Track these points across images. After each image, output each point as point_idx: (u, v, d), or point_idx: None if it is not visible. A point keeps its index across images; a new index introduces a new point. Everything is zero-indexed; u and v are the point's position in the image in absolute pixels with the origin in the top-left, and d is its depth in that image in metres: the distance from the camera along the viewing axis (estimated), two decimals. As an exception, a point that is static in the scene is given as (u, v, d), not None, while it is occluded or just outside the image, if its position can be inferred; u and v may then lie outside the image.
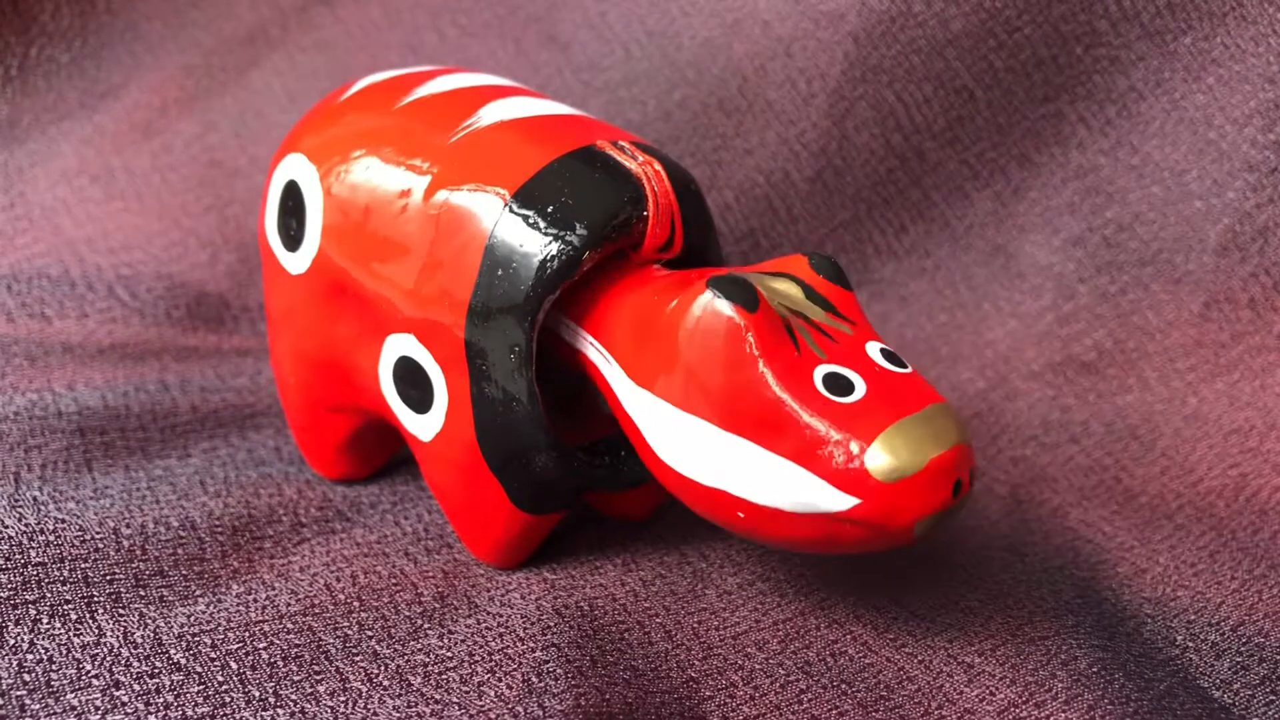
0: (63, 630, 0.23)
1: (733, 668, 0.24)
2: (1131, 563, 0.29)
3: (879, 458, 0.21)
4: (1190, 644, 0.26)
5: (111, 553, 0.26)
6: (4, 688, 0.22)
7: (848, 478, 0.21)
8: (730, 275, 0.23)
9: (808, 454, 0.22)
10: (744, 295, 0.22)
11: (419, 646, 0.24)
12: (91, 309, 0.38)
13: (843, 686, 0.24)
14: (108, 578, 0.25)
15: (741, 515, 0.23)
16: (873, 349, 0.23)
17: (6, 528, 0.26)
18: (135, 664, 0.23)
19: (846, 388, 0.22)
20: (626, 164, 0.25)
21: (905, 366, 0.23)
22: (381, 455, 0.31)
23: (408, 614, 0.25)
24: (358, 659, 0.24)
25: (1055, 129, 0.37)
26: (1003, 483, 0.33)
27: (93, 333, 0.37)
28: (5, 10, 0.42)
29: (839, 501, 0.22)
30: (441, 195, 0.25)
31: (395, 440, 0.31)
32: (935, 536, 0.23)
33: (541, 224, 0.24)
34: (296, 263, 0.28)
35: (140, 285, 0.39)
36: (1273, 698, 0.24)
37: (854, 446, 0.21)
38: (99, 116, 0.42)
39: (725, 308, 0.22)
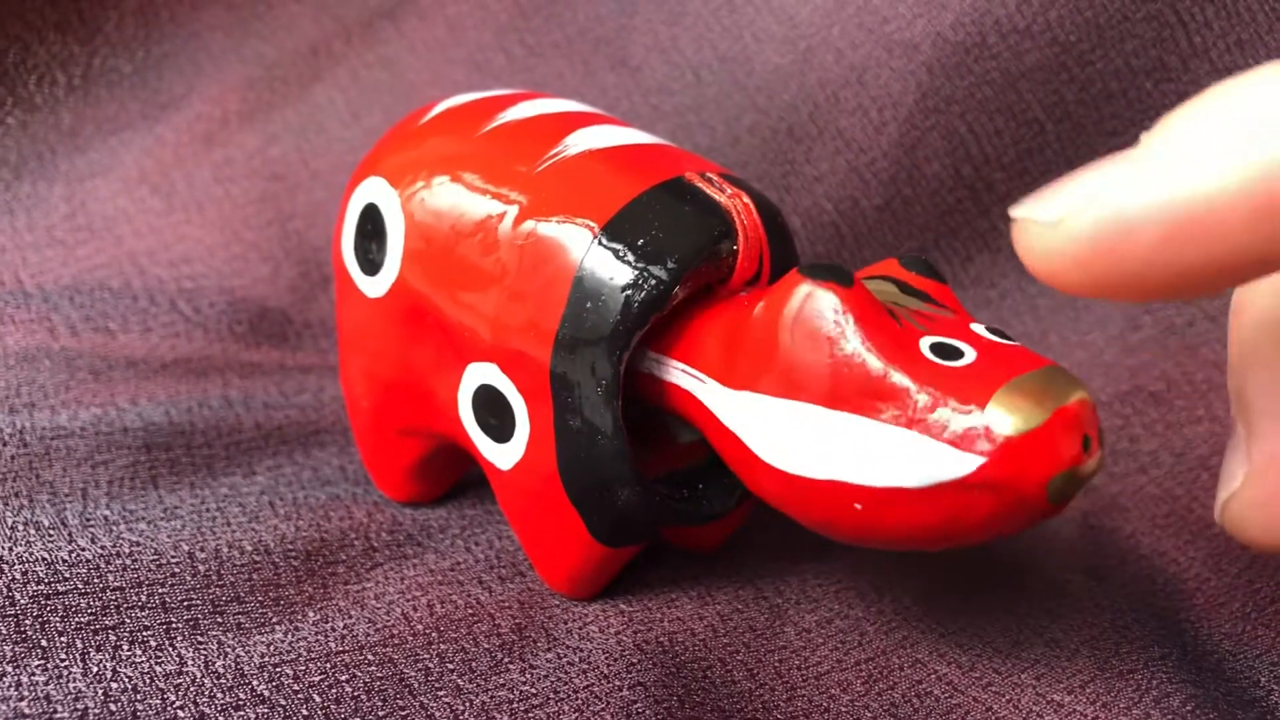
0: (144, 658, 0.23)
1: (818, 710, 0.24)
2: (1208, 595, 0.29)
3: (1000, 414, 0.20)
4: (1275, 686, 0.26)
5: (188, 577, 0.26)
6: (91, 718, 0.21)
7: (969, 438, 0.20)
8: (818, 262, 0.23)
9: (924, 420, 0.21)
10: (837, 275, 0.22)
11: (501, 682, 0.24)
12: (154, 323, 0.38)
13: (930, 731, 0.23)
14: (185, 604, 0.25)
15: (859, 506, 0.22)
16: (977, 327, 0.23)
17: (83, 550, 0.26)
18: (219, 695, 0.22)
19: (955, 354, 0.22)
20: (715, 196, 0.25)
21: (1011, 340, 0.23)
22: (450, 478, 0.31)
23: (487, 646, 0.25)
24: (441, 694, 0.23)
25: (1125, 162, 0.36)
26: (1074, 509, 0.32)
27: (156, 347, 0.37)
28: (70, 20, 0.42)
29: (963, 465, 0.20)
30: (529, 225, 0.25)
31: (463, 464, 0.31)
32: (1072, 501, 0.22)
33: (631, 257, 0.24)
34: (374, 287, 0.28)
35: (203, 299, 0.39)
36: (1361, 752, 0.24)
37: (971, 405, 0.21)
38: (160, 127, 0.42)
39: (818, 287, 0.22)
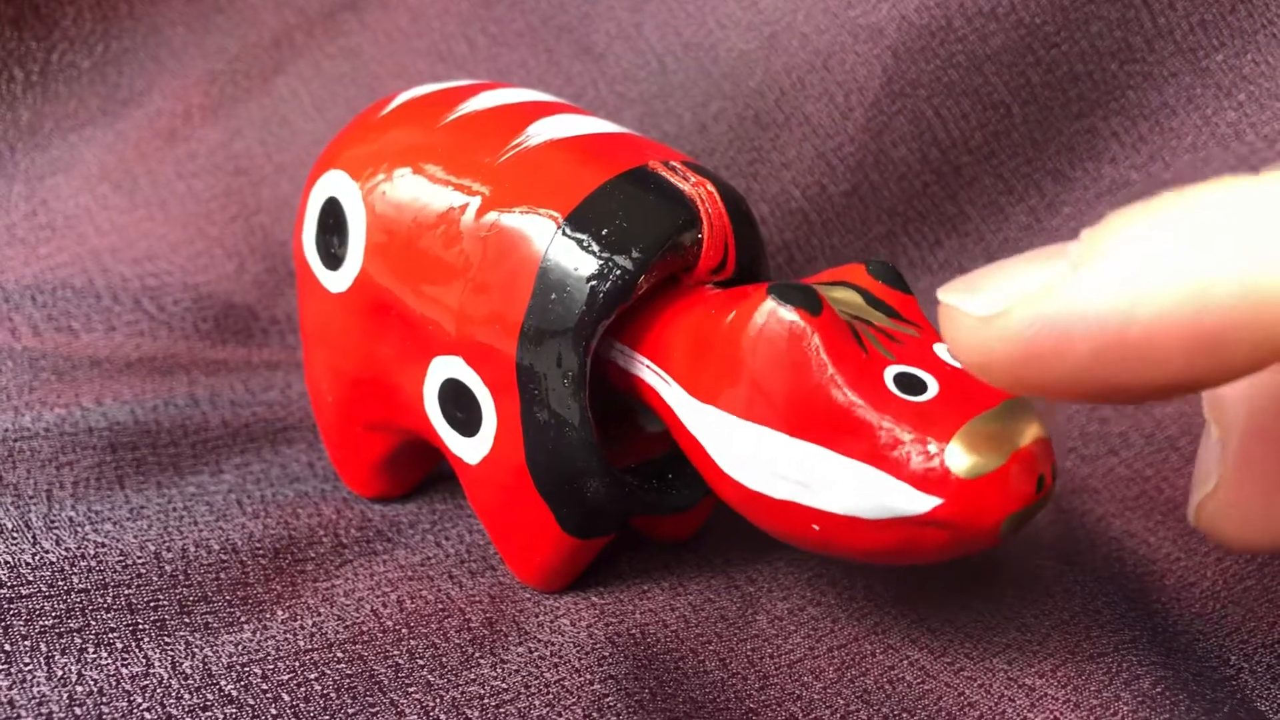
0: (110, 660, 0.23)
1: (791, 698, 0.24)
2: (1178, 575, 0.29)
3: (959, 455, 0.21)
4: (1244, 665, 0.26)
5: (154, 578, 0.26)
6: (56, 722, 0.21)
7: (928, 478, 0.21)
8: (790, 282, 0.23)
9: (884, 456, 0.21)
10: (806, 300, 0.22)
11: (472, 677, 0.24)
12: (118, 321, 0.37)
13: (904, 715, 0.23)
14: (151, 604, 0.25)
15: (817, 528, 0.22)
16: (940, 349, 0.23)
17: (47, 552, 0.25)
18: (186, 696, 0.22)
19: (919, 387, 0.22)
20: (679, 185, 0.25)
21: None
22: (418, 473, 0.31)
23: (458, 641, 0.25)
24: (411, 690, 0.23)
25: (1089, 144, 0.37)
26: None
27: (120, 346, 0.36)
28: (26, 15, 0.41)
29: (920, 503, 0.21)
30: (491, 216, 0.25)
31: (431, 459, 0.31)
32: (1018, 536, 0.22)
33: (596, 247, 0.24)
34: (337, 281, 0.28)
35: (167, 297, 0.38)
36: (1333, 728, 0.24)
37: (932, 445, 0.21)
38: (121, 123, 0.42)
39: (788, 313, 0.22)
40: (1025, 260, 0.17)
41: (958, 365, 0.22)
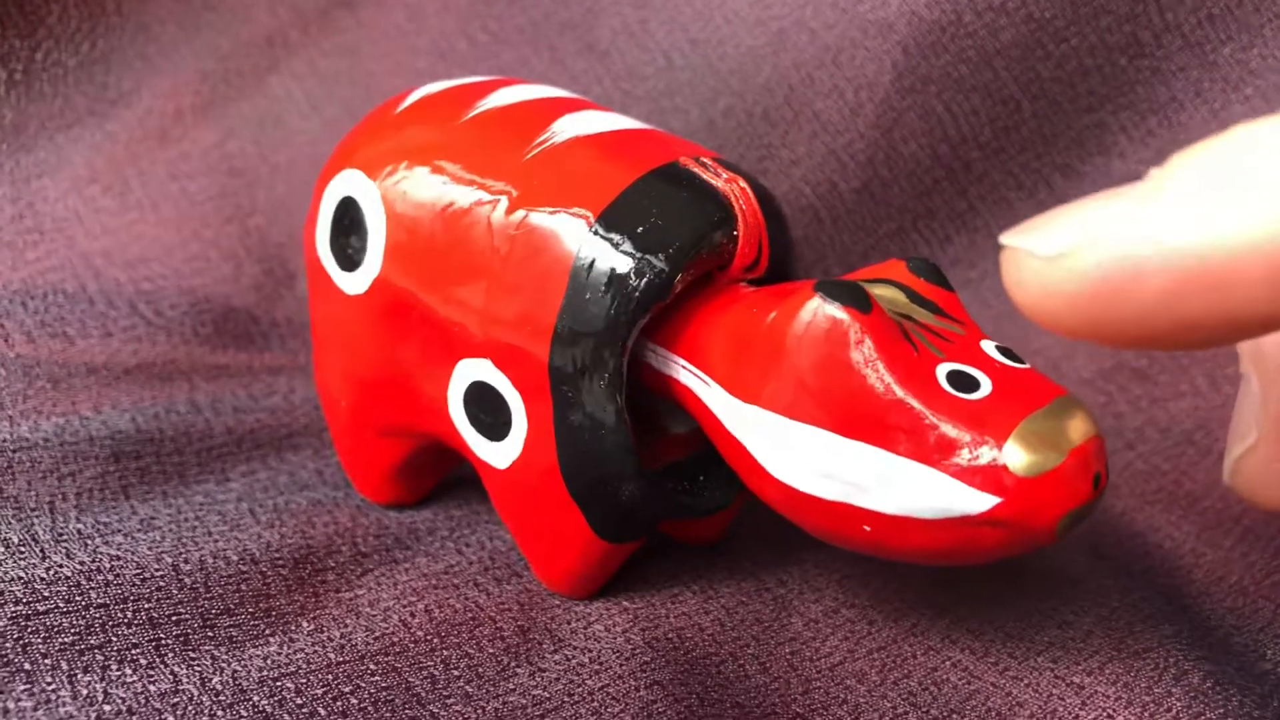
0: (135, 678, 0.22)
1: (836, 702, 0.23)
2: (1205, 569, 0.29)
3: (1018, 453, 0.20)
4: (1280, 660, 0.26)
5: (174, 591, 0.25)
6: (87, 743, 0.20)
7: (986, 477, 0.20)
8: (837, 280, 0.22)
9: (940, 455, 0.21)
10: (855, 297, 0.21)
11: (511, 686, 0.23)
12: (115, 327, 0.36)
13: (953, 717, 0.23)
14: (173, 618, 0.24)
15: (868, 529, 0.22)
16: (987, 346, 0.22)
17: (61, 566, 0.25)
18: (220, 713, 0.21)
19: (972, 385, 0.21)
20: (712, 182, 0.25)
21: (1023, 362, 0.22)
22: (433, 480, 0.30)
23: (491, 650, 0.24)
24: (450, 702, 0.23)
25: (1098, 139, 0.36)
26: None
27: (117, 352, 0.35)
28: (10, 11, 0.40)
29: (978, 503, 0.20)
30: (520, 215, 0.24)
31: (446, 465, 0.30)
32: (1073, 534, 0.22)
33: (630, 246, 0.23)
34: (354, 283, 0.27)
35: (163, 301, 0.37)
36: (1372, 723, 0.24)
37: (989, 444, 0.20)
38: (110, 124, 0.40)
39: (837, 310, 0.21)
40: (1092, 201, 0.17)
41: (1007, 363, 0.22)
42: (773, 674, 0.24)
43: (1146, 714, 0.22)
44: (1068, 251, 0.16)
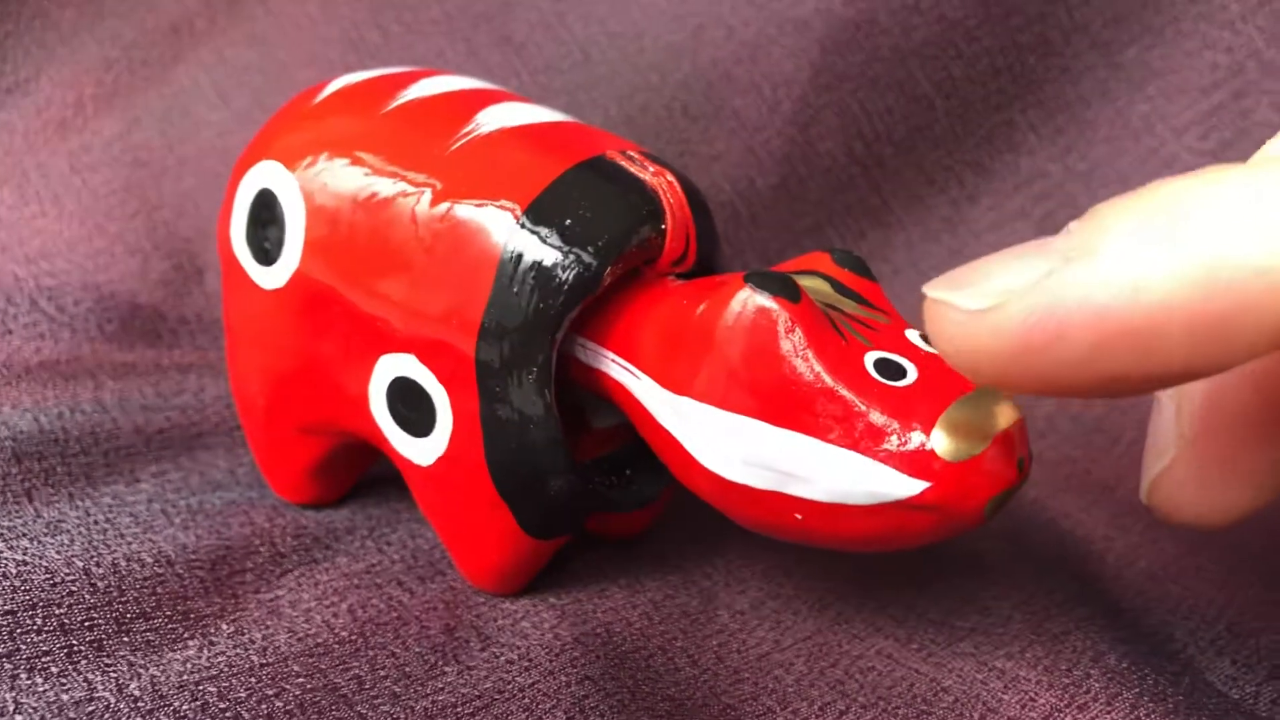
0: (47, 687, 0.21)
1: (765, 692, 0.24)
2: (1116, 555, 0.30)
3: (945, 439, 0.21)
4: (1189, 640, 0.26)
5: (87, 595, 0.24)
6: (-2, 755, 0.20)
7: (915, 462, 0.21)
8: (766, 270, 0.22)
9: (869, 442, 0.21)
10: (784, 287, 0.22)
11: (440, 685, 0.23)
12: (14, 324, 0.35)
13: (881, 704, 0.23)
14: (86, 624, 0.23)
15: (799, 517, 0.22)
16: (912, 335, 0.23)
17: (-35, 573, 0.24)
18: None
19: (899, 372, 0.22)
20: (640, 175, 0.24)
21: None
22: (351, 478, 0.30)
23: (418, 650, 0.24)
24: (379, 702, 0.22)
25: (1008, 136, 0.37)
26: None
27: (18, 350, 0.34)
28: (-103, -4, 0.38)
29: (908, 488, 0.21)
30: (445, 208, 0.24)
31: (364, 463, 0.30)
32: (992, 523, 0.22)
33: (558, 240, 0.23)
34: (271, 277, 0.26)
35: (66, 297, 0.36)
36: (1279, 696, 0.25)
37: (917, 429, 0.21)
38: (6, 113, 0.39)
39: (767, 300, 0.22)
40: (1013, 254, 0.17)
41: (931, 350, 0.22)
42: (702, 666, 0.24)
43: (1067, 695, 0.23)
44: (991, 307, 0.16)
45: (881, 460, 0.21)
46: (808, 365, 0.21)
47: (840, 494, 0.21)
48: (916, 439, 0.21)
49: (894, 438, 0.21)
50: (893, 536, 0.22)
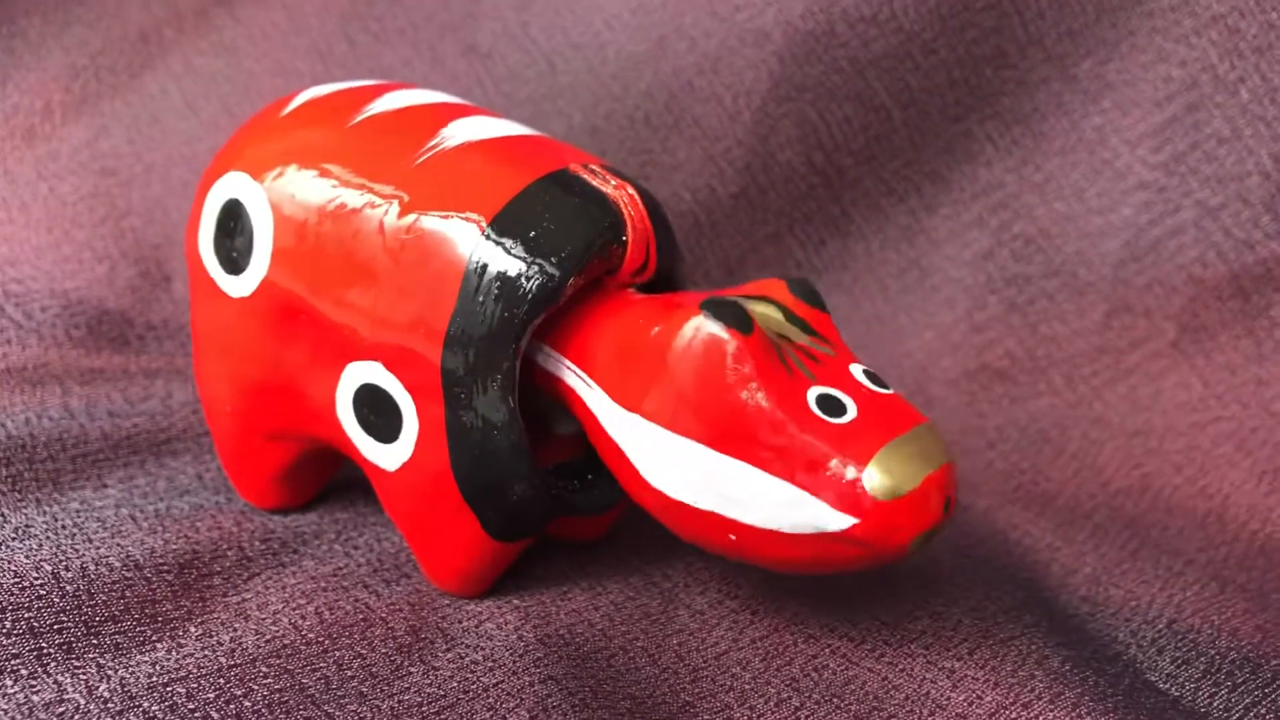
0: (16, 689, 0.22)
1: (723, 689, 0.24)
2: (1062, 563, 0.31)
3: (876, 478, 0.22)
4: (1131, 640, 0.27)
5: (56, 599, 0.24)
6: (-31, 756, 0.20)
7: (846, 498, 0.22)
8: (721, 298, 0.23)
9: (805, 475, 0.22)
10: (737, 318, 0.22)
11: (406, 685, 0.23)
12: (-18, 330, 0.35)
13: (834, 701, 0.24)
14: (55, 627, 0.24)
15: (733, 538, 0.23)
16: (855, 370, 0.24)
17: (-66, 577, 0.24)
18: (108, 721, 0.21)
19: (839, 409, 0.23)
20: (602, 189, 0.25)
21: (887, 387, 0.24)
22: (318, 484, 0.30)
23: (384, 650, 0.24)
24: (345, 702, 0.23)
25: (965, 147, 0.38)
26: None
27: (-15, 356, 0.34)
28: None
29: (838, 521, 0.22)
30: (412, 219, 0.25)
31: (330, 468, 0.30)
32: (923, 554, 0.23)
33: (522, 251, 0.24)
34: (239, 286, 0.27)
35: (33, 303, 0.36)
36: (1216, 690, 0.26)
37: (851, 467, 0.22)
38: (-28, 120, 0.39)
39: (719, 330, 0.22)
40: None
41: (873, 388, 0.23)
42: (662, 665, 0.25)
43: (1012, 694, 0.24)
44: None
45: (814, 493, 0.22)
46: (753, 396, 0.22)
47: (773, 521, 0.22)
48: (849, 475, 0.22)
49: (828, 473, 0.22)
50: (820, 564, 0.23)
